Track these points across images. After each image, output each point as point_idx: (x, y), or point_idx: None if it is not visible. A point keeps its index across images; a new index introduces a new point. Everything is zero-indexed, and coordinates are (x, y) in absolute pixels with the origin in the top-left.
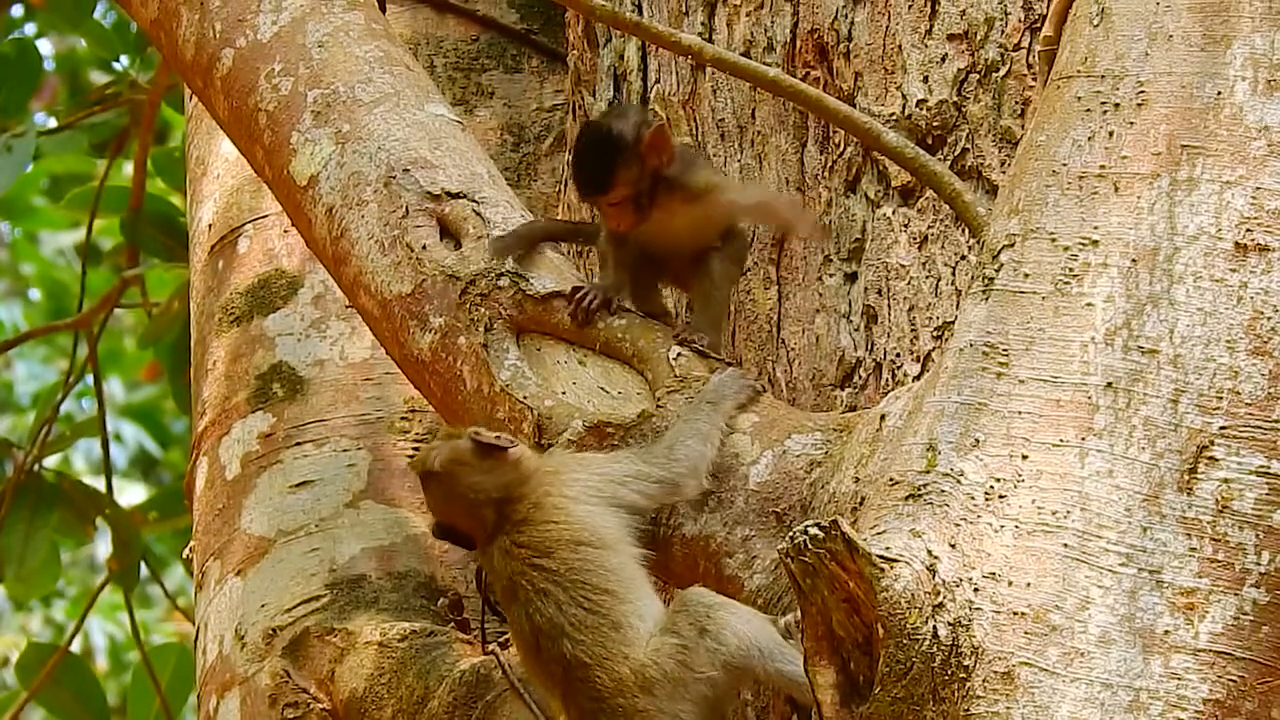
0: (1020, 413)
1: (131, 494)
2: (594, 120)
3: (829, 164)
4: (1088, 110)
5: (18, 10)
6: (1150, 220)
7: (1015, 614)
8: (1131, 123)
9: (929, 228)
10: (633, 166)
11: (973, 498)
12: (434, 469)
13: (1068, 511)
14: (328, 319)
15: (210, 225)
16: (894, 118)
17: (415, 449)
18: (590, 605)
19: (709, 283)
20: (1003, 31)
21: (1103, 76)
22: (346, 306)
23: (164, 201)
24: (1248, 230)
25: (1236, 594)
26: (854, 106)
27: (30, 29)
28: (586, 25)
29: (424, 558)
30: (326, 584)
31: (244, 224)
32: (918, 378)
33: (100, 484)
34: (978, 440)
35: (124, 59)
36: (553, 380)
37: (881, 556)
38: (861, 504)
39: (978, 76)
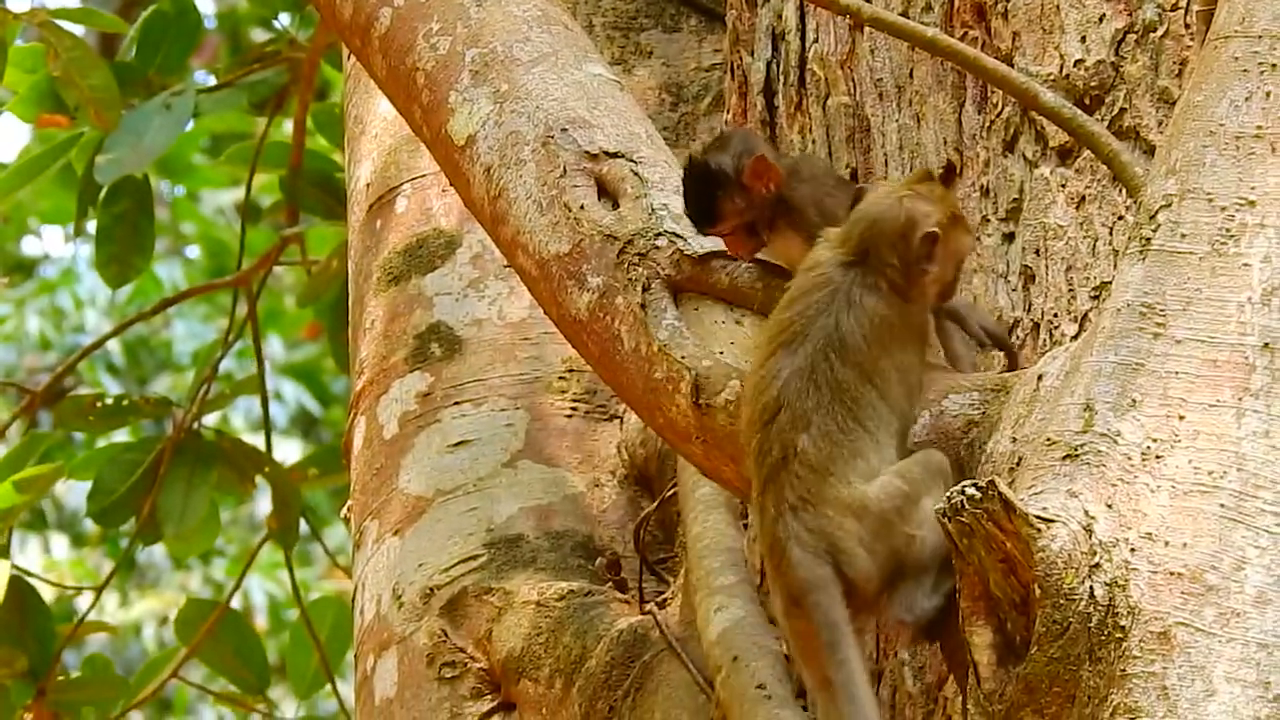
0: (1177, 373)
1: (291, 452)
2: (696, 152)
3: (987, 124)
4: (1245, 70)
5: None
6: None
7: (1171, 574)
8: None
9: (1086, 188)
10: (736, 198)
11: (1129, 458)
12: (901, 198)
13: (1224, 472)
14: (485, 279)
15: (368, 184)
16: (1051, 78)
17: (573, 409)
18: (843, 424)
19: None
20: None
21: (1260, 36)
22: (504, 266)
23: (323, 159)
24: None
25: None
26: (1011, 67)
27: None
28: None
29: (582, 517)
30: (484, 543)
31: (402, 183)
32: (1075, 338)
33: (260, 442)
34: (1134, 400)
35: (284, 17)
36: (710, 340)
37: (1038, 517)
38: (1018, 464)
39: (1135, 37)
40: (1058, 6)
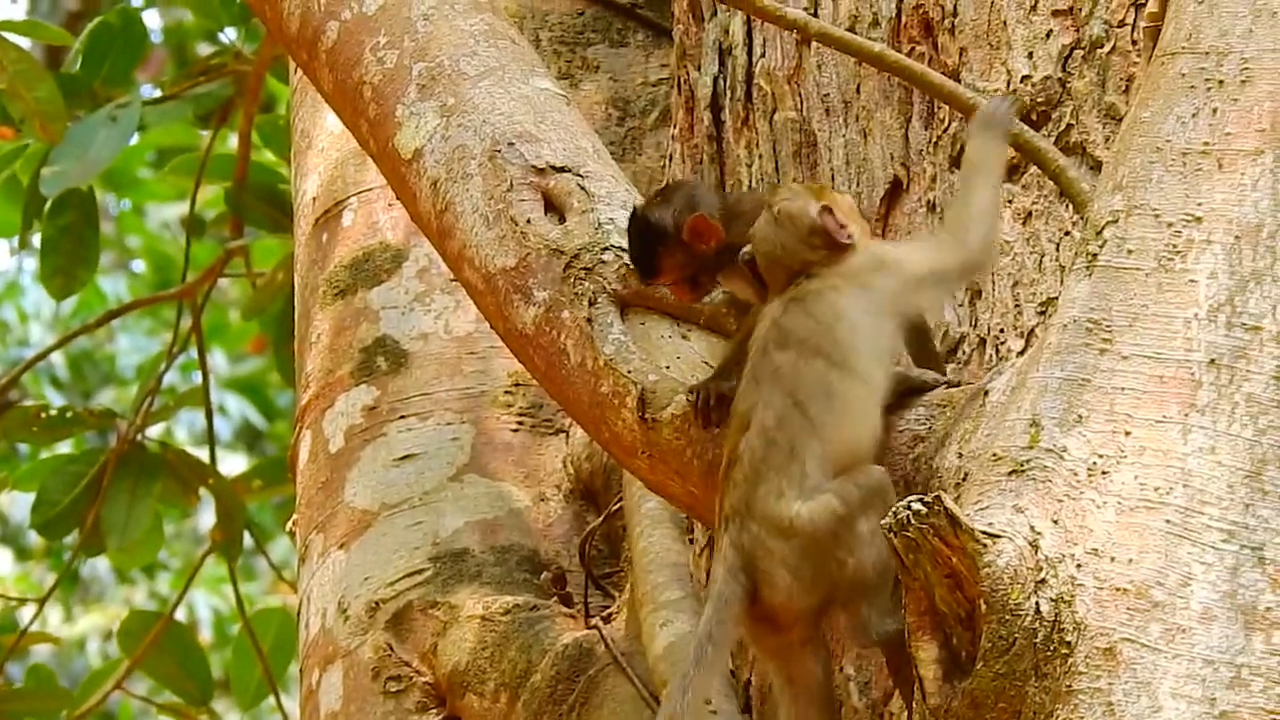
0: (1123, 389)
1: (235, 466)
2: (639, 206)
3: (933, 140)
4: (1192, 87)
5: None
6: (1254, 197)
7: (1117, 590)
8: (1235, 99)
9: (1033, 204)
10: (676, 254)
11: (1075, 474)
12: (773, 210)
13: (1170, 488)
14: (432, 292)
15: (314, 198)
16: (999, 94)
17: (519, 423)
18: (788, 423)
19: None
20: (1107, 8)
21: (1207, 53)
22: (450, 280)
23: (268, 172)
24: None
25: None
26: (958, 82)
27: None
28: None
29: (527, 531)
30: (429, 557)
31: (348, 197)
32: (1021, 353)
33: (204, 455)
34: (1081, 416)
35: (230, 30)
36: (657, 355)
37: (984, 532)
38: (965, 479)
39: (1082, 52)
40: (1005, 22)
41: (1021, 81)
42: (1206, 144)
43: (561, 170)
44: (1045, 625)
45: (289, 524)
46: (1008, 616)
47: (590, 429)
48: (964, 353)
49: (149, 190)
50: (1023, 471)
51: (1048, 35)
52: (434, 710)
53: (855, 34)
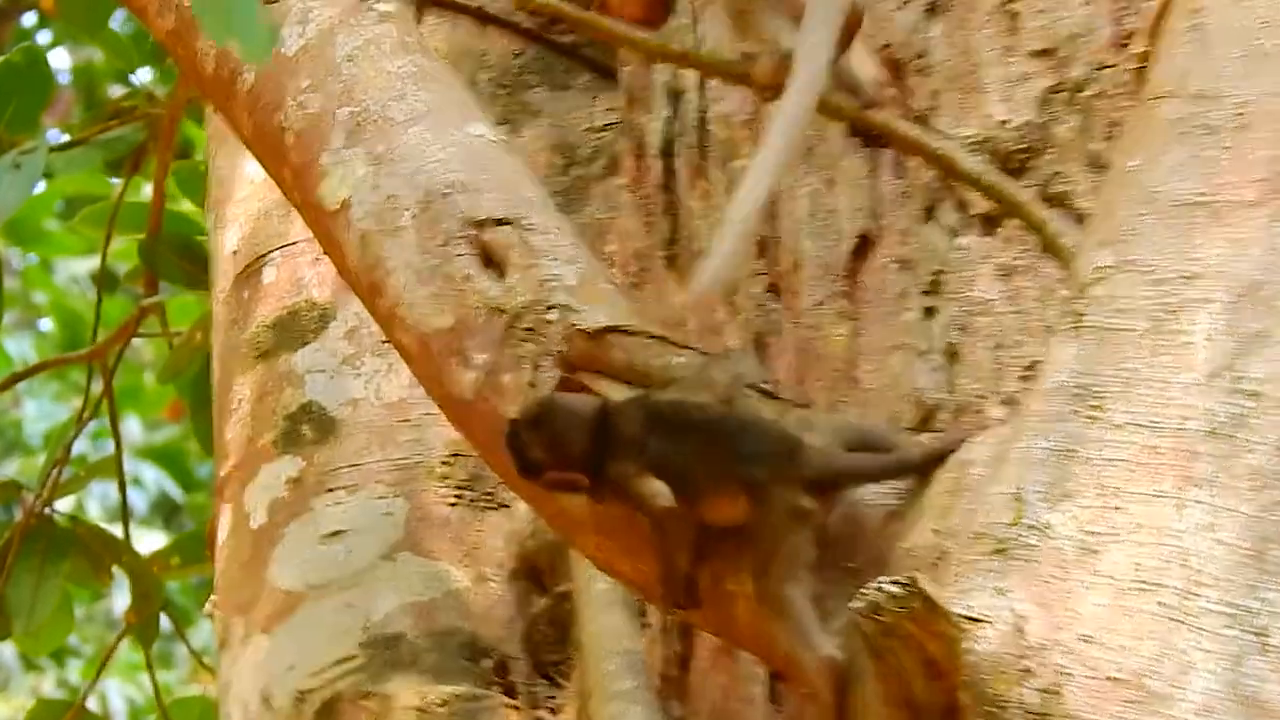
0: (1114, 460)
1: (152, 542)
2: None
3: (904, 190)
4: (1183, 133)
5: (30, 19)
6: (1254, 252)
7: (1110, 680)
8: (1229, 146)
9: (1015, 259)
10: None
11: (1063, 553)
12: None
13: (1166, 568)
14: (362, 355)
15: (234, 252)
16: (975, 140)
17: (457, 497)
18: None
19: None
20: (1090, 48)
21: (1198, 97)
22: (382, 341)
23: (185, 222)
24: None
25: None
26: (930, 127)
27: (45, 38)
28: None
29: (467, 615)
30: (361, 643)
31: (271, 251)
32: (1003, 421)
33: (117, 530)
34: (1068, 490)
35: (143, 71)
36: None
37: (964, 616)
38: (942, 559)
39: (1064, 96)
40: (979, 63)
41: (999, 127)
42: (1201, 194)
43: (501, 222)
44: (1033, 718)
45: (208, 606)
46: (992, 709)
47: (535, 503)
48: (941, 421)
49: (56, 243)
50: (1006, 550)
51: (1026, 77)
52: None
53: None
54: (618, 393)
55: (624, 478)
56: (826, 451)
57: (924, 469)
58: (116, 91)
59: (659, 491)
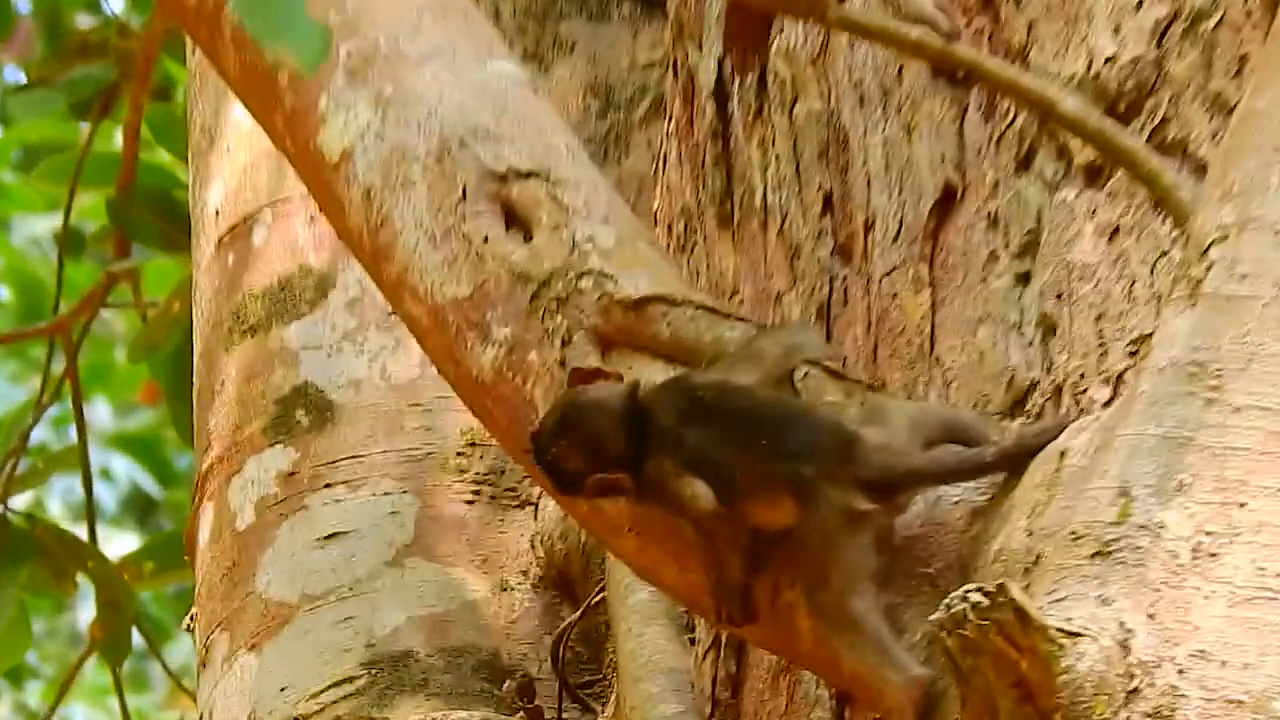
0: (1235, 449)
1: (122, 545)
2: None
3: (995, 136)
4: None
5: None
6: None
7: (1230, 702)
8: None
9: (1121, 216)
10: None
11: (1176, 556)
12: None
13: None
14: (365, 329)
15: (218, 211)
16: (1076, 79)
17: (475, 493)
18: None
19: None
20: None
21: None
22: (388, 313)
23: (162, 175)
24: None
25: None
26: (1027, 64)
27: None
28: None
29: (485, 629)
30: (363, 662)
31: (260, 209)
32: (1107, 404)
33: (82, 532)
34: (1182, 483)
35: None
36: None
37: (1061, 630)
38: (1036, 563)
39: (1182, 27)
40: None
41: (1106, 64)
42: None
43: (527, 175)
44: None
45: (187, 619)
46: None
47: (565, 501)
48: (1035, 403)
49: (14, 198)
50: (1110, 553)
51: (1139, 6)
52: None
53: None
54: (653, 373)
55: (661, 476)
56: (888, 448)
57: (1012, 464)
58: (85, 23)
59: (701, 493)
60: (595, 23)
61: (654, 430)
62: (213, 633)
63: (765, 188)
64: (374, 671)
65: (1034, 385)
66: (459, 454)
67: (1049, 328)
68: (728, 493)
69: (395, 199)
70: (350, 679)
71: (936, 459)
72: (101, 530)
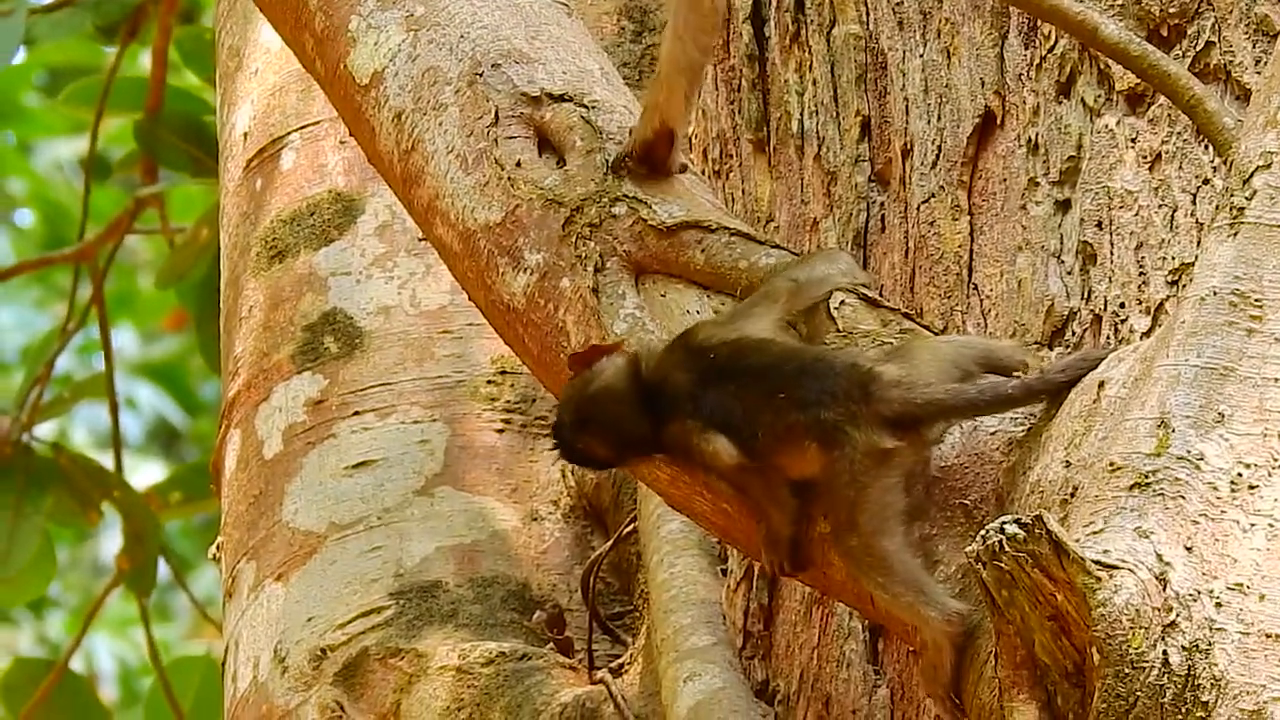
0: (1276, 380)
1: (148, 475)
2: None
3: (1036, 61)
4: None
5: None
6: None
7: (1267, 636)
8: None
9: (1163, 143)
10: None
11: (1215, 488)
12: None
13: None
14: (394, 254)
15: (246, 134)
16: (1119, 3)
17: (505, 422)
18: None
19: None
20: None
21: None
22: (418, 239)
23: (190, 99)
24: None
25: None
26: None
27: None
28: None
29: (515, 560)
30: (391, 592)
31: (289, 133)
32: (1147, 334)
33: (108, 460)
34: (1222, 415)
35: None
36: None
37: (1098, 562)
38: (1073, 495)
39: None
40: None
41: None
42: None
43: (561, 99)
44: (1175, 680)
45: (212, 548)
46: (1127, 670)
47: None
48: (1074, 332)
49: (38, 121)
50: (1148, 485)
51: None
52: None
53: None
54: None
55: (684, 435)
56: (908, 382)
57: (1036, 397)
58: None
59: (722, 448)
60: None
61: (668, 395)
62: (239, 562)
63: (802, 112)
64: (402, 602)
65: (1073, 314)
66: (489, 382)
67: (1089, 256)
68: (753, 450)
69: (426, 122)
70: (378, 609)
71: (956, 390)
72: (126, 460)
